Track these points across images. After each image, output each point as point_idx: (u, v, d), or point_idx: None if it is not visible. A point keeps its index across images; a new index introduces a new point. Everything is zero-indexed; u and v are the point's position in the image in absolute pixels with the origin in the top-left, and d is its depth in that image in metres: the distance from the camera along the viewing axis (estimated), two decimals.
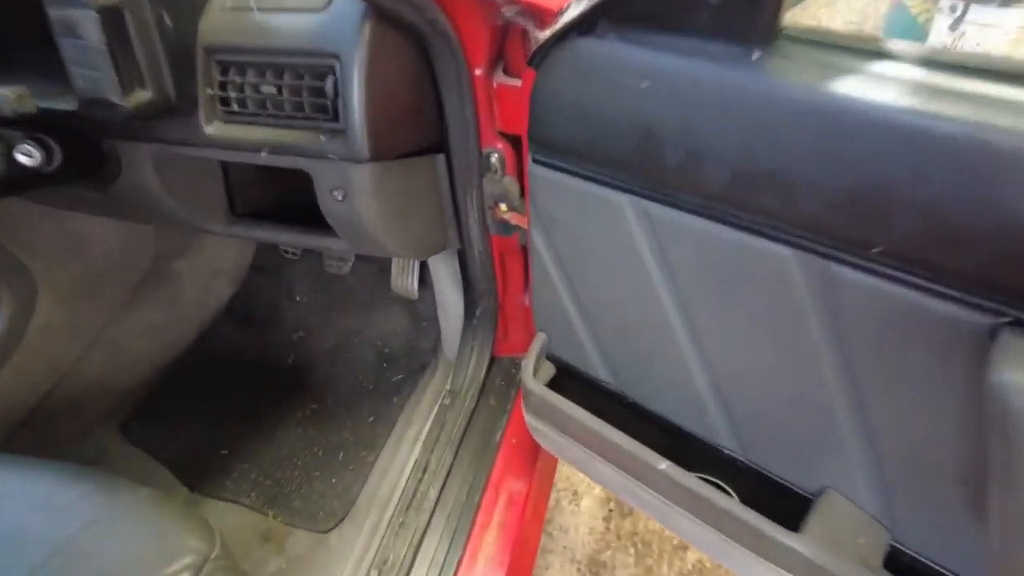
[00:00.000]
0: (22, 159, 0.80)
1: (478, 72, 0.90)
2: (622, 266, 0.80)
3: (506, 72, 0.93)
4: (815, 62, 0.56)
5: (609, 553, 1.54)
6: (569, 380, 1.01)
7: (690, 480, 0.82)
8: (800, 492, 0.79)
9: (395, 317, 1.63)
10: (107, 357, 1.40)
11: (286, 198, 1.07)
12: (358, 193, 0.85)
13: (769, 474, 0.83)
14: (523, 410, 1.03)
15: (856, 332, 0.61)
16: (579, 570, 1.51)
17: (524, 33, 0.91)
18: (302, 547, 1.22)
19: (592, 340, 0.94)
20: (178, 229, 1.31)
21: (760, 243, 0.63)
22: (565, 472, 1.71)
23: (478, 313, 1.22)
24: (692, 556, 1.50)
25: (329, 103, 0.79)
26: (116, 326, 1.42)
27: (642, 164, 0.68)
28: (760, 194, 0.60)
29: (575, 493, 1.68)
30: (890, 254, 0.55)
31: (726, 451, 0.86)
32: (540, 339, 1.02)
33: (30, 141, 0.80)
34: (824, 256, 0.59)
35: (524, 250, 1.14)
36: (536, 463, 1.19)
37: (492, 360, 1.30)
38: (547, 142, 0.78)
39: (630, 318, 0.85)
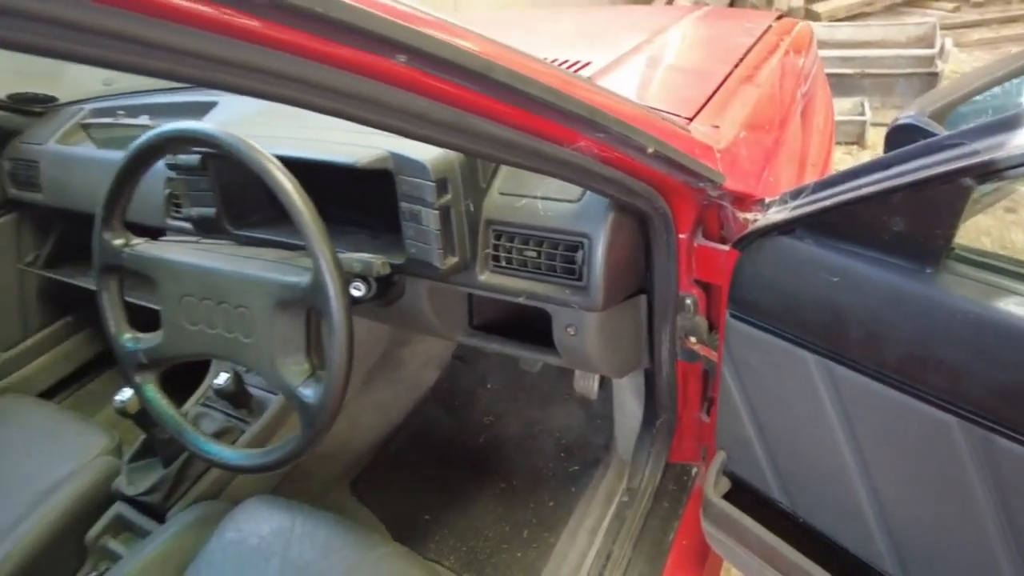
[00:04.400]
0: (353, 292, 1.14)
1: (682, 236, 1.13)
2: (805, 411, 0.95)
3: (704, 235, 1.15)
4: (981, 280, 0.72)
5: None
6: (744, 495, 1.16)
7: None
8: None
9: (572, 412, 1.85)
10: (346, 428, 1.75)
11: (514, 315, 1.35)
12: (588, 331, 1.10)
13: None
14: (701, 518, 1.19)
15: (1019, 500, 0.73)
16: None
17: (720, 207, 1.14)
18: None
19: (770, 465, 1.09)
20: None
21: (929, 410, 0.77)
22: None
23: (658, 424, 1.41)
24: None
25: (576, 268, 1.06)
26: (354, 401, 1.78)
27: (828, 334, 0.86)
28: (929, 374, 0.76)
29: None
30: None
31: None
32: (720, 456, 1.18)
33: (360, 278, 1.14)
34: (987, 428, 0.73)
35: (705, 374, 1.32)
36: (704, 569, 1.33)
37: (666, 465, 1.46)
38: (745, 305, 0.98)
39: (809, 455, 0.99)
